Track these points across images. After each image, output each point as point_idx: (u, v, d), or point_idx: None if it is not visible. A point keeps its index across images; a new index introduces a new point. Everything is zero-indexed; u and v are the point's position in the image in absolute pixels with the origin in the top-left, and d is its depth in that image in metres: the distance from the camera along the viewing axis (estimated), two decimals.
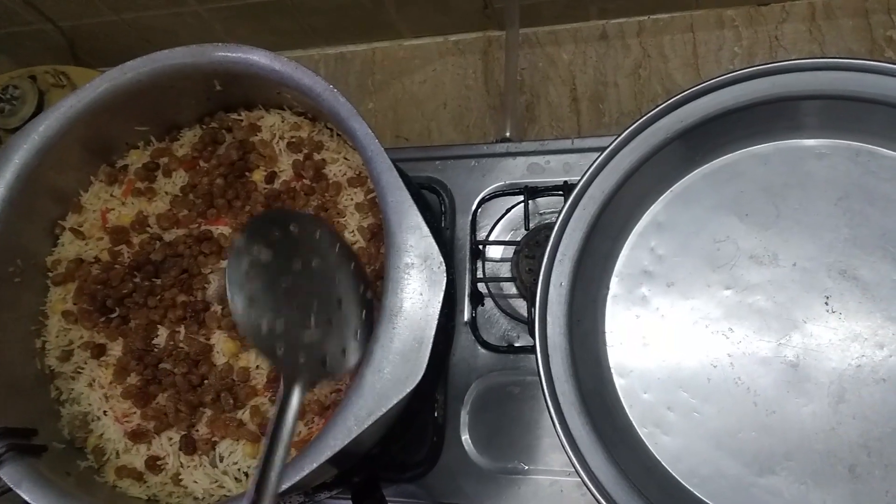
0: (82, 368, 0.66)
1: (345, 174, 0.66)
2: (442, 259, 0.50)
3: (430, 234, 0.51)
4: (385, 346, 0.50)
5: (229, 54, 0.61)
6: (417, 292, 0.51)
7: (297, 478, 0.49)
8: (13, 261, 0.65)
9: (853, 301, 0.57)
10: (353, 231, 0.63)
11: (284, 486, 0.48)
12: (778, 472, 0.55)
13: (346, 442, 0.48)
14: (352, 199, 0.65)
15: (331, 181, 0.66)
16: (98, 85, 0.63)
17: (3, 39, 1.00)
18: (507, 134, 0.82)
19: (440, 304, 0.50)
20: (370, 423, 0.48)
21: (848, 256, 0.58)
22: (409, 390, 0.49)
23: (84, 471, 0.62)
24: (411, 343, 0.50)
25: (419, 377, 0.49)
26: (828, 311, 0.57)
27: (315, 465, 0.49)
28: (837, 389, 0.56)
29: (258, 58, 0.61)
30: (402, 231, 0.51)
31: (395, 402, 0.48)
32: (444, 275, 0.50)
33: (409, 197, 0.51)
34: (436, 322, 0.49)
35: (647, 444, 0.58)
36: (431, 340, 0.49)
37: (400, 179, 0.52)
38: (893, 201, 0.58)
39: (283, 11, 0.92)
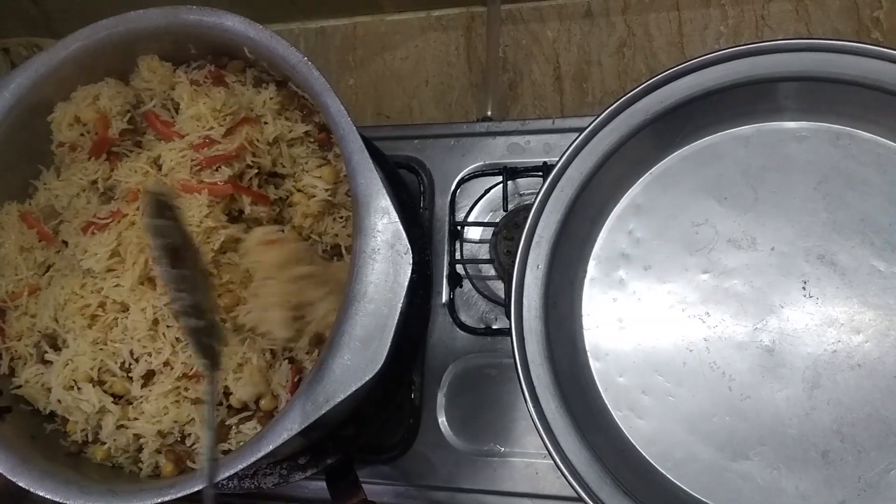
0: None
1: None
2: (409, 245, 0.49)
3: (398, 220, 0.49)
4: (347, 331, 0.49)
5: (204, 18, 0.60)
6: (382, 278, 0.49)
7: (253, 458, 0.49)
8: None
9: (831, 286, 0.57)
10: None
11: (240, 467, 0.48)
12: (751, 456, 0.55)
13: (304, 426, 0.48)
14: None
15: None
16: (70, 43, 0.62)
17: None
18: (489, 113, 0.81)
19: (405, 292, 0.48)
20: (327, 408, 0.48)
21: (826, 241, 0.57)
22: (369, 378, 0.48)
23: (50, 434, 0.61)
24: (374, 330, 0.48)
25: (380, 365, 0.48)
26: (805, 296, 0.57)
27: (271, 447, 0.48)
28: (812, 375, 0.56)
29: (232, 23, 0.60)
30: (370, 215, 0.50)
31: (354, 389, 0.48)
32: (411, 263, 0.49)
33: (378, 179, 0.50)
34: (400, 310, 0.48)
35: (621, 427, 0.58)
36: (394, 329, 0.48)
37: (370, 161, 0.51)
38: (872, 185, 0.57)
39: None
